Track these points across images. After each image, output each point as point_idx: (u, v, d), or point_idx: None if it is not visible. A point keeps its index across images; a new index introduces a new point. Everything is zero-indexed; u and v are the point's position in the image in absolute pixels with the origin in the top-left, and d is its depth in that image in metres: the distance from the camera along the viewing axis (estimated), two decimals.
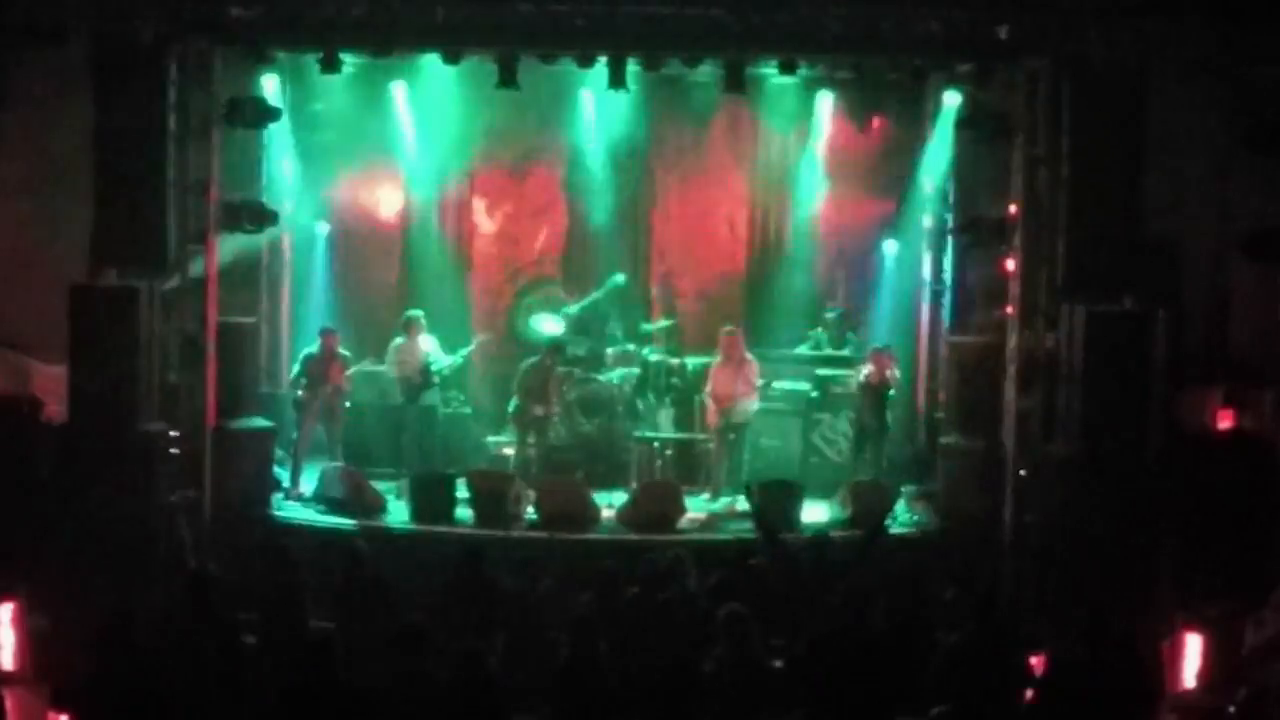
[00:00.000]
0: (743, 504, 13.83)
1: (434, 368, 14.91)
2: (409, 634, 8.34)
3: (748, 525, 13.29)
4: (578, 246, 16.69)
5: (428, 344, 15.04)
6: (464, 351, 15.43)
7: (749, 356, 14.65)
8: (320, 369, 14.52)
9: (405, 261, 16.63)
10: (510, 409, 14.79)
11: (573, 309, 15.94)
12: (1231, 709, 8.49)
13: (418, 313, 15.23)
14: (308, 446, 14.58)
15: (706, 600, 9.84)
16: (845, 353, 15.66)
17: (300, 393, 14.58)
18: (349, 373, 14.76)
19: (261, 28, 13.12)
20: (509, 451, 14.91)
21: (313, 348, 14.69)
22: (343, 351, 14.73)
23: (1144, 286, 12.66)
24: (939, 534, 13.29)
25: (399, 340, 15.04)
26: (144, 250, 12.42)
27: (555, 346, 14.96)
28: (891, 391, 14.60)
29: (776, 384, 15.26)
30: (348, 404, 14.84)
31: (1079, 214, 12.54)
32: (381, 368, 15.42)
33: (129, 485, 12.01)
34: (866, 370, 14.64)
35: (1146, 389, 12.39)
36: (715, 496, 14.28)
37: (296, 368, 14.74)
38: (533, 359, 14.87)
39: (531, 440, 14.60)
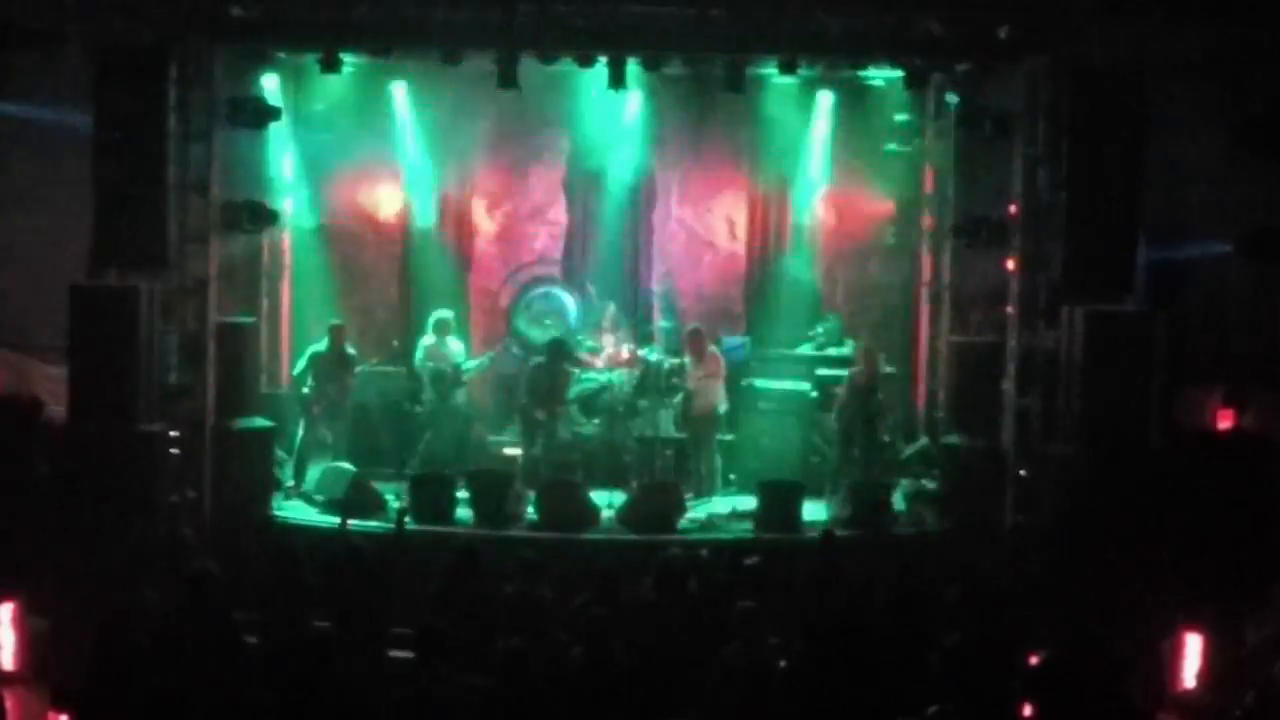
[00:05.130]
0: (743, 505, 13.88)
1: (464, 368, 14.88)
2: (427, 636, 8.34)
3: (747, 526, 13.37)
4: (578, 246, 16.68)
5: (456, 345, 15.02)
6: (490, 355, 15.45)
7: (713, 350, 14.73)
8: (328, 367, 14.47)
9: (405, 261, 16.62)
10: (519, 409, 14.79)
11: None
12: (1238, 712, 8.48)
13: (449, 314, 15.19)
14: (312, 445, 14.56)
15: (715, 598, 9.86)
16: (845, 352, 15.65)
17: (305, 390, 14.55)
18: (356, 370, 14.73)
19: (261, 28, 13.16)
20: (509, 451, 14.89)
21: (320, 345, 14.65)
22: (349, 350, 14.70)
23: (1144, 286, 12.66)
24: (939, 534, 13.29)
25: (430, 339, 14.99)
26: (144, 250, 12.42)
27: (558, 346, 14.93)
28: (879, 392, 14.55)
29: (776, 384, 15.28)
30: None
31: (1079, 214, 12.54)
32: (385, 368, 15.41)
33: (129, 485, 12.01)
34: (855, 370, 14.65)
35: (1146, 389, 12.40)
36: (699, 496, 14.25)
37: (302, 364, 14.71)
38: (539, 359, 14.85)
39: (538, 439, 14.57)
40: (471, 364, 15.10)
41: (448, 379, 14.73)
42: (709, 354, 14.68)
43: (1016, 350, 13.16)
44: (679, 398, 14.77)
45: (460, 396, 14.94)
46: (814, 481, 14.27)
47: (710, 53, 13.66)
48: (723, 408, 14.73)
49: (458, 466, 14.21)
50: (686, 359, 14.88)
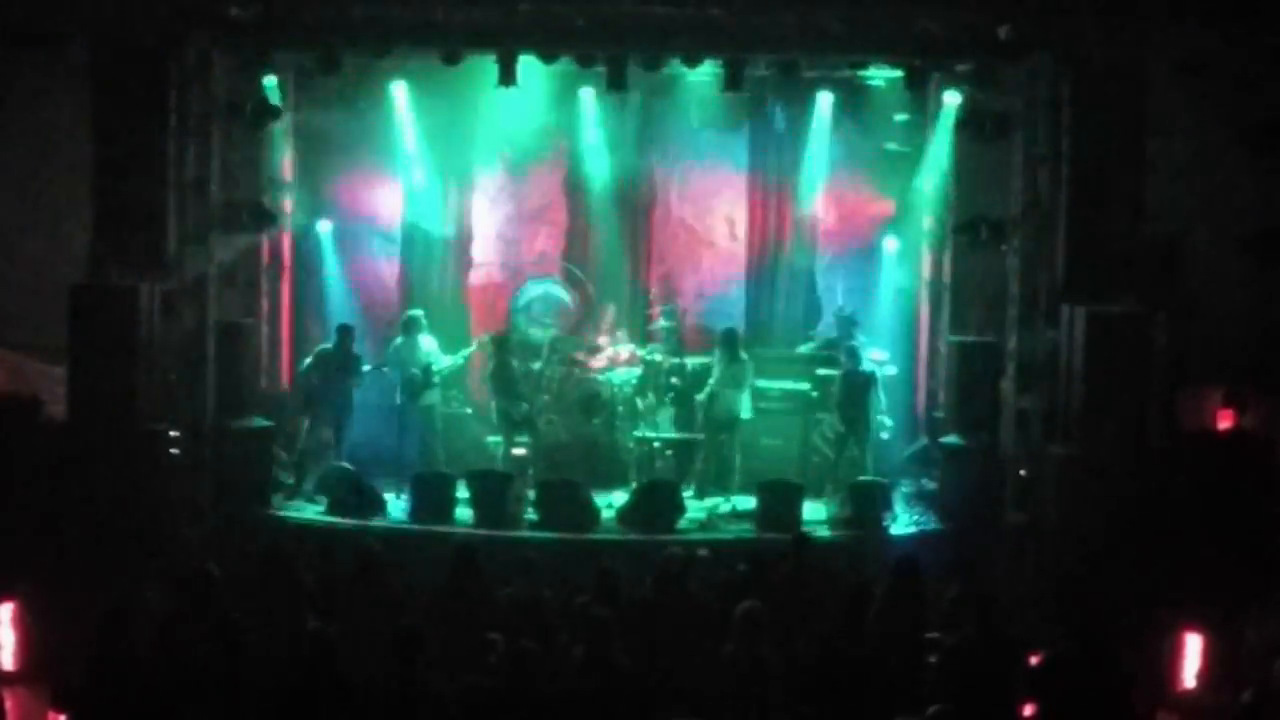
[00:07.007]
0: (741, 504, 13.88)
1: (434, 367, 14.86)
2: (405, 637, 8.34)
3: (748, 526, 13.37)
4: (578, 246, 16.67)
5: (428, 344, 14.98)
6: (465, 353, 15.37)
7: (744, 356, 14.59)
8: (335, 366, 14.45)
9: (405, 261, 16.61)
10: (495, 414, 14.74)
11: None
12: (1238, 712, 8.48)
13: (418, 312, 15.16)
14: (312, 445, 14.54)
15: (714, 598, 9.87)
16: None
17: (310, 390, 14.52)
18: (365, 369, 14.73)
19: (261, 28, 13.15)
20: (516, 452, 14.84)
21: (328, 344, 14.63)
22: (355, 351, 14.68)
23: (1144, 286, 12.67)
24: (939, 534, 13.29)
25: (399, 340, 15.00)
26: (144, 250, 12.43)
27: (497, 341, 14.87)
28: (875, 390, 14.51)
29: (776, 384, 15.26)
30: None
31: (1079, 214, 12.56)
32: (384, 368, 15.40)
33: (129, 486, 12.01)
34: (848, 364, 14.65)
35: (1146, 389, 12.40)
36: (699, 495, 14.22)
37: (309, 362, 14.68)
38: (491, 363, 14.77)
39: (524, 439, 14.52)
40: (444, 364, 15.02)
41: (416, 380, 14.69)
42: (742, 358, 14.49)
43: (1016, 350, 13.17)
44: (703, 395, 14.63)
45: (433, 397, 14.86)
46: (814, 481, 14.28)
47: (710, 53, 13.66)
48: (745, 414, 14.52)
49: (427, 467, 14.14)
50: (714, 358, 14.65)
